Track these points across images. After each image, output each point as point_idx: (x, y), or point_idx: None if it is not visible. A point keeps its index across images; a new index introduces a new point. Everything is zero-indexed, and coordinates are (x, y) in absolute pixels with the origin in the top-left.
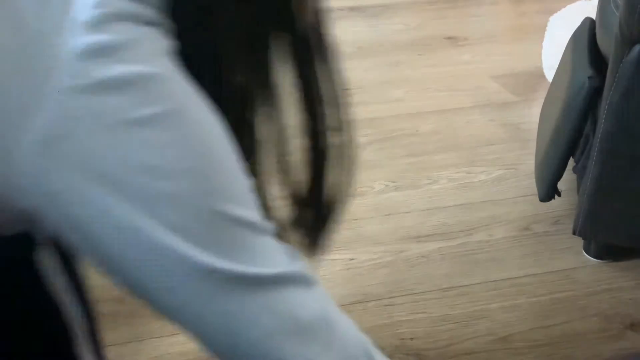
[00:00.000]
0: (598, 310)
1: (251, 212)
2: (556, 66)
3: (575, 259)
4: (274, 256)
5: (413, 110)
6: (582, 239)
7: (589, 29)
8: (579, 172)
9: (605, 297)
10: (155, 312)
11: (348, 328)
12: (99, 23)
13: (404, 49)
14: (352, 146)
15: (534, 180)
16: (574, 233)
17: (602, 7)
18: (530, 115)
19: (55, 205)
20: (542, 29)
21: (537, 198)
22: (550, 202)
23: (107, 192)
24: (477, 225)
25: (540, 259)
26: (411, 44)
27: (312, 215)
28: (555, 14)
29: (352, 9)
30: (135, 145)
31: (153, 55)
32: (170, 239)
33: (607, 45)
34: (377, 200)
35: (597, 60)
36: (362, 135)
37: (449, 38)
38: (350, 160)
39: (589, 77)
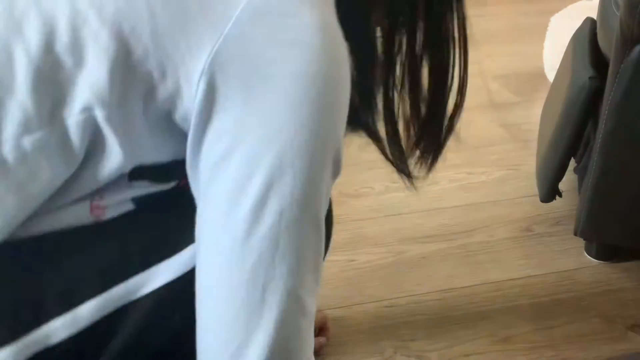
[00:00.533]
0: (599, 312)
1: None
2: (557, 66)
3: (577, 260)
4: None
5: None
6: (584, 239)
7: (589, 29)
8: (580, 172)
9: (606, 298)
10: None
11: None
12: None
13: None
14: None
15: (535, 180)
16: (575, 234)
17: (603, 8)
18: (531, 116)
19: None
20: (543, 29)
21: (538, 199)
22: (551, 202)
23: None
24: (478, 226)
25: (541, 259)
26: None
27: (436, 132)
28: (556, 14)
29: None
30: None
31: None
32: None
33: (608, 45)
34: (378, 201)
35: (598, 60)
36: (362, 136)
37: None
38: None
39: (590, 78)
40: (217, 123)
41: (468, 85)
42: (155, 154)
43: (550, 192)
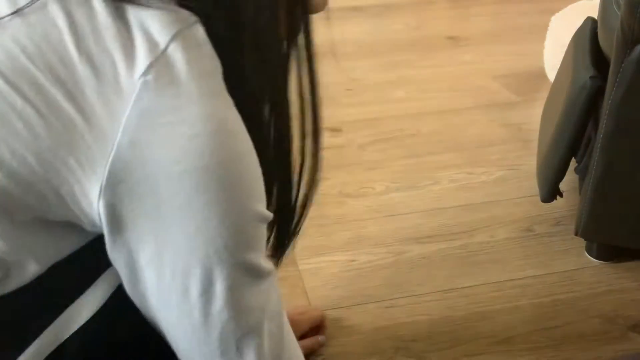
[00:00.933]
0: (600, 312)
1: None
2: (558, 66)
3: (577, 260)
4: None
5: (414, 110)
6: (584, 240)
7: (590, 28)
8: (581, 172)
9: (607, 299)
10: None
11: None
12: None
13: (405, 49)
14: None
15: (535, 181)
16: (576, 234)
17: (603, 7)
18: (532, 116)
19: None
20: (543, 28)
21: (538, 199)
22: (552, 203)
23: None
24: (479, 226)
25: (542, 260)
26: (412, 44)
27: (286, 218)
28: (556, 14)
29: (353, 9)
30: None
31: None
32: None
33: (609, 45)
34: (378, 201)
35: (599, 60)
36: (363, 136)
37: (450, 38)
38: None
39: (590, 77)
40: (131, 233)
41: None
42: (65, 246)
43: (550, 192)
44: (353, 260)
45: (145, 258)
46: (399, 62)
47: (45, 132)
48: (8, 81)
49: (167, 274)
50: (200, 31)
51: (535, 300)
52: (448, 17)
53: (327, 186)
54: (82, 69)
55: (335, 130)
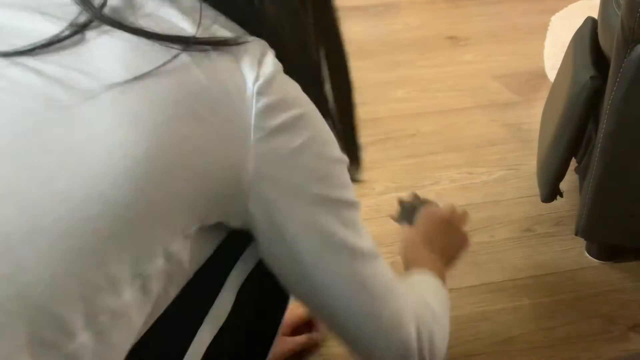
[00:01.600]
0: (600, 312)
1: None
2: (558, 66)
3: (578, 260)
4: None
5: (414, 110)
6: (584, 240)
7: (590, 28)
8: (581, 172)
9: (607, 299)
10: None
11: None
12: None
13: (405, 49)
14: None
15: (535, 180)
16: (576, 234)
17: (603, 7)
18: (532, 116)
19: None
20: (543, 28)
21: (539, 199)
22: (552, 203)
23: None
24: (479, 226)
25: (542, 260)
26: (412, 44)
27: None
28: (556, 14)
29: (353, 8)
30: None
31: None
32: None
33: (609, 45)
34: (378, 201)
35: (599, 60)
36: (363, 136)
37: (450, 38)
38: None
39: (590, 77)
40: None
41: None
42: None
43: (551, 192)
44: None
45: (294, 230)
46: (399, 62)
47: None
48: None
49: (313, 234)
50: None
51: (536, 300)
52: (448, 17)
53: None
54: None
55: None
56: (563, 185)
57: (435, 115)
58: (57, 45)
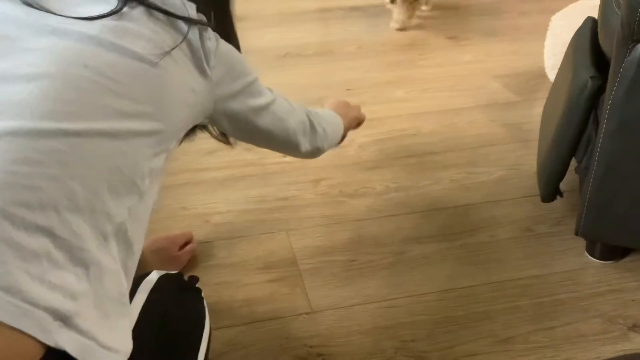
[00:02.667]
0: (600, 312)
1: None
2: (558, 66)
3: (578, 260)
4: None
5: (414, 110)
6: (585, 239)
7: (590, 28)
8: (581, 172)
9: (607, 299)
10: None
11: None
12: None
13: (405, 48)
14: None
15: (535, 180)
16: (576, 234)
17: (603, 7)
18: (532, 116)
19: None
20: (543, 28)
21: (539, 199)
22: (552, 202)
23: None
24: (479, 226)
25: (542, 260)
26: (412, 44)
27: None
28: (556, 14)
29: (353, 8)
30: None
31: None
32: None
33: (609, 44)
34: (378, 201)
35: (599, 59)
36: (363, 136)
37: (451, 38)
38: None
39: (591, 77)
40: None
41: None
42: None
43: (551, 192)
44: (353, 260)
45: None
46: (399, 62)
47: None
48: None
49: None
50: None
51: (536, 300)
52: (448, 17)
53: (327, 186)
54: None
55: None
56: (563, 185)
57: (435, 115)
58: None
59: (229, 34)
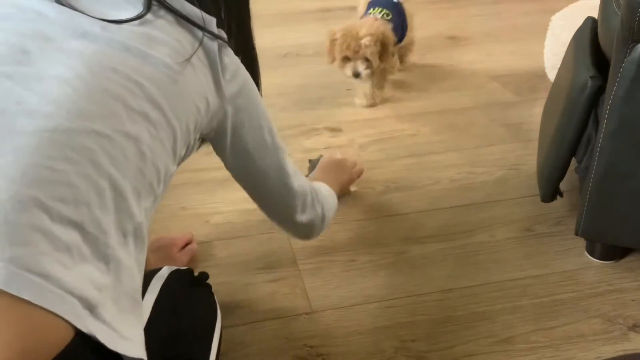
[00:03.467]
0: (600, 312)
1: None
2: (558, 66)
3: (578, 260)
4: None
5: (414, 110)
6: (585, 239)
7: (590, 28)
8: (582, 172)
9: (607, 299)
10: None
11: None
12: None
13: None
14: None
15: (535, 180)
16: (577, 234)
17: (603, 7)
18: (532, 115)
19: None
20: (543, 28)
21: (539, 199)
22: (552, 202)
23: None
24: (479, 226)
25: (542, 260)
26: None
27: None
28: (556, 14)
29: (353, 8)
30: None
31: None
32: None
33: (609, 44)
34: (378, 201)
35: (599, 59)
36: (363, 136)
37: (451, 38)
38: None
39: (591, 77)
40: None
41: None
42: None
43: (551, 192)
44: (353, 260)
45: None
46: None
47: None
48: None
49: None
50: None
51: (536, 300)
52: (449, 17)
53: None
54: None
55: (335, 130)
56: (563, 185)
57: (435, 115)
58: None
59: (246, 49)
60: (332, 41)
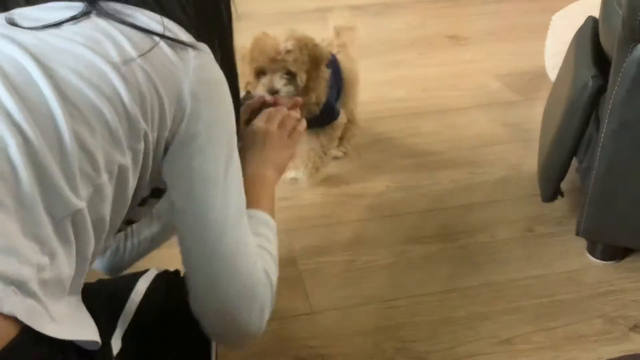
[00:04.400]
0: (601, 312)
1: None
2: (559, 65)
3: (579, 260)
4: None
5: (414, 110)
6: (586, 240)
7: (591, 27)
8: (583, 172)
9: (608, 299)
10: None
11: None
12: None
13: (406, 48)
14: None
15: (536, 180)
16: (577, 234)
17: (604, 6)
18: (533, 115)
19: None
20: (544, 27)
21: (539, 199)
22: (553, 202)
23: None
24: (479, 226)
25: (543, 260)
26: (413, 43)
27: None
28: (557, 13)
29: (353, 8)
30: None
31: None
32: None
33: (610, 44)
34: (379, 201)
35: (600, 59)
36: (363, 136)
37: (451, 37)
38: None
39: (592, 77)
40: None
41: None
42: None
43: (552, 192)
44: (353, 261)
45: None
46: (399, 62)
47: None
48: None
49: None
50: None
51: (536, 300)
52: (449, 16)
53: (327, 186)
54: None
55: None
56: (564, 185)
57: (435, 115)
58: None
59: (228, 66)
60: (243, 58)
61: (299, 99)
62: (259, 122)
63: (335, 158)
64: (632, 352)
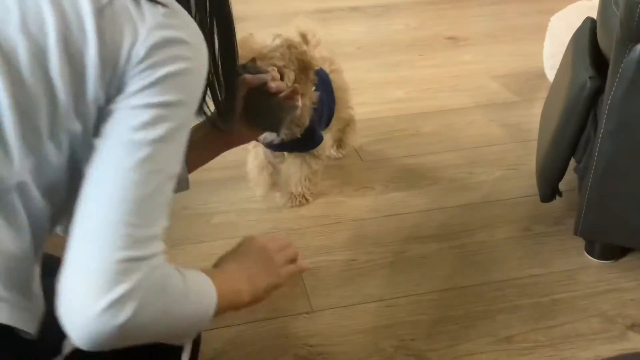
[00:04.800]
0: (599, 311)
1: None
2: (557, 66)
3: (577, 260)
4: None
5: (414, 110)
6: (584, 239)
7: (589, 28)
8: (580, 172)
9: (606, 298)
10: None
11: None
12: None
13: (405, 49)
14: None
15: (535, 180)
16: (575, 234)
17: (603, 7)
18: (531, 116)
19: None
20: (543, 29)
21: (538, 198)
22: (551, 202)
23: None
24: (478, 226)
25: (541, 259)
26: (412, 44)
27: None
28: (556, 14)
29: (352, 9)
30: None
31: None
32: None
33: (608, 45)
34: (378, 201)
35: (598, 60)
36: (363, 136)
37: (450, 38)
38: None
39: (590, 77)
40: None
41: None
42: None
43: (550, 192)
44: (353, 260)
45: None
46: (399, 62)
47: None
48: None
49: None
50: None
51: (535, 299)
52: (448, 18)
53: (327, 186)
54: None
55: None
56: (562, 185)
57: (435, 115)
58: None
59: (228, 43)
60: None
61: (298, 86)
62: (262, 237)
63: (336, 158)
64: (630, 350)
